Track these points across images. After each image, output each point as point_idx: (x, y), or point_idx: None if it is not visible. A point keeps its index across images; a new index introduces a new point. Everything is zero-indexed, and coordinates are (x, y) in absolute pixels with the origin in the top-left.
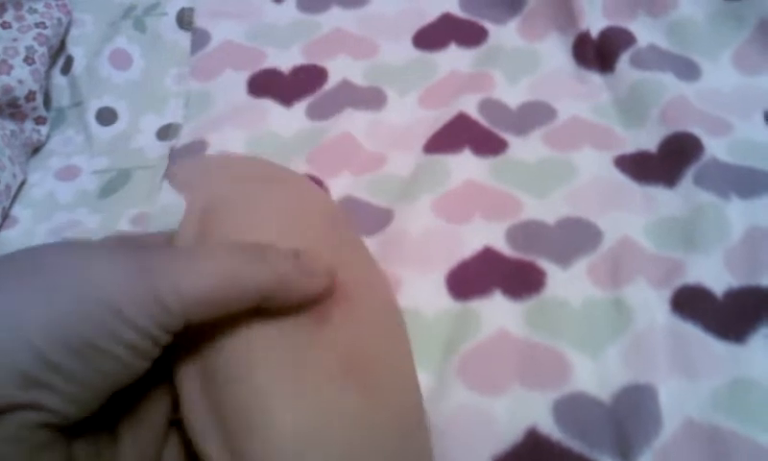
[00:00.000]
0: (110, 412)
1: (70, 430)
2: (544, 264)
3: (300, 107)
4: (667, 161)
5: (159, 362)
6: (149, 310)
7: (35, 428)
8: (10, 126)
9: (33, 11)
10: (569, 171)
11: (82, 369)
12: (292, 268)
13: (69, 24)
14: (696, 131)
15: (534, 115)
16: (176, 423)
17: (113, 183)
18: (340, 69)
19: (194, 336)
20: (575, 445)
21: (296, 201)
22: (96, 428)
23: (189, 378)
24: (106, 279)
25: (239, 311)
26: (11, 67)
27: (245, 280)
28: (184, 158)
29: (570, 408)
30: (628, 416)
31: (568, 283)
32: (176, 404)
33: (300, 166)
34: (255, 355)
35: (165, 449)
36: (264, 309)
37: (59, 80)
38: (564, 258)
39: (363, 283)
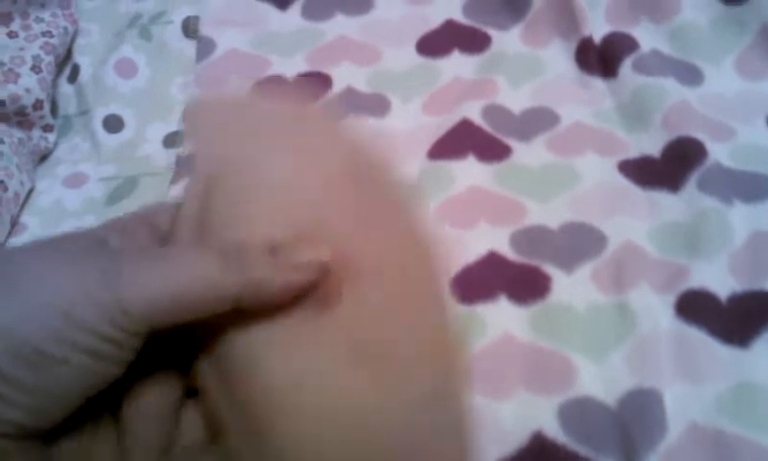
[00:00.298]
0: (110, 398)
1: (54, 432)
2: (549, 269)
3: None
4: (671, 166)
5: (165, 346)
6: (106, 313)
7: None
8: (17, 134)
9: (39, 20)
10: (573, 176)
11: (33, 378)
12: (268, 270)
13: (75, 33)
14: (699, 136)
15: (537, 121)
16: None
17: (120, 191)
18: (344, 76)
19: (203, 327)
20: (581, 449)
21: (311, 156)
22: (93, 418)
23: (205, 371)
24: (56, 282)
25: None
26: (18, 76)
27: (215, 288)
28: (204, 97)
29: (576, 412)
30: (633, 420)
31: (573, 288)
32: (191, 389)
33: None
34: (258, 350)
35: (177, 431)
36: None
37: (65, 88)
38: (569, 263)
39: (386, 254)
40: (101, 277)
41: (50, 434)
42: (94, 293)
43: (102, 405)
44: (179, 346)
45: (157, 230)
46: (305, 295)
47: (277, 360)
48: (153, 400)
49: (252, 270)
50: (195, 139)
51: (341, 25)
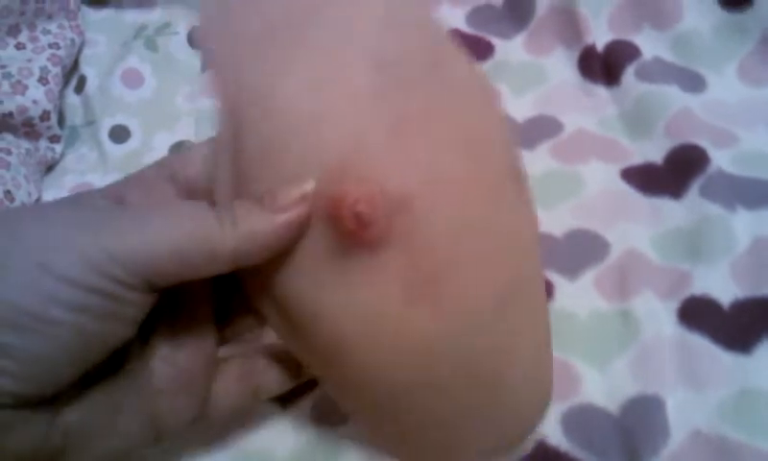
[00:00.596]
0: (135, 361)
1: (66, 399)
2: (552, 276)
3: None
4: (673, 173)
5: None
6: (89, 261)
7: None
8: (25, 145)
9: (46, 32)
10: (576, 183)
11: (21, 342)
12: (259, 218)
13: (82, 44)
14: (702, 142)
15: (540, 129)
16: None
17: None
18: None
19: (253, 272)
20: (584, 456)
21: (328, 72)
22: (114, 383)
23: (270, 315)
24: (30, 233)
25: (280, 250)
26: (25, 87)
27: (211, 242)
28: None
29: (578, 420)
30: (636, 427)
31: (576, 295)
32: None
33: None
34: (316, 301)
35: (211, 392)
36: (312, 244)
37: (72, 99)
38: (572, 270)
39: (432, 170)
40: (81, 225)
41: (60, 401)
42: (73, 240)
43: (123, 369)
44: (215, 296)
45: (179, 183)
46: (356, 239)
47: (337, 308)
48: (182, 363)
49: (243, 223)
50: (212, 56)
51: None
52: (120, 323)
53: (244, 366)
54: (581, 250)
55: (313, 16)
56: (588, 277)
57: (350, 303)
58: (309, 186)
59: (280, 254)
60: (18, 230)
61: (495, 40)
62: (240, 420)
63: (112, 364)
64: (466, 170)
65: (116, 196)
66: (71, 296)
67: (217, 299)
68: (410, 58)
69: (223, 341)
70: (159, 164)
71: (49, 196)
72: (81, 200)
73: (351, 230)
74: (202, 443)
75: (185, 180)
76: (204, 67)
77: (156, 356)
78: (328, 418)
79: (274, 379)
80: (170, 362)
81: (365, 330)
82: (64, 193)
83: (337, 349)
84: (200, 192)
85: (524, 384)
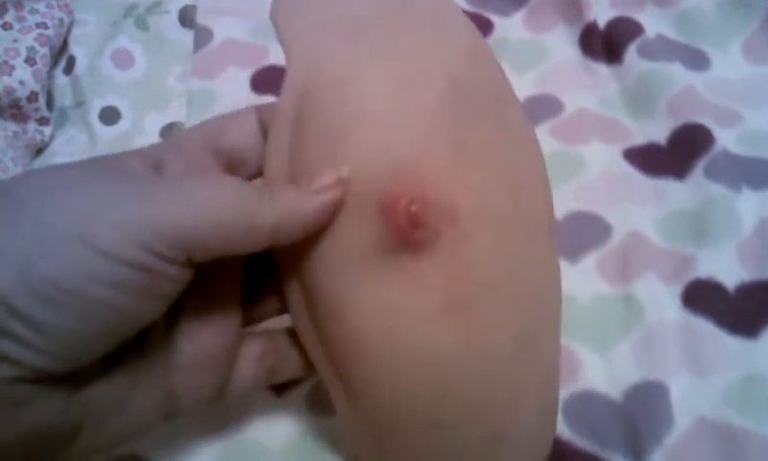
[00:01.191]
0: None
1: (85, 373)
2: None
3: None
4: (677, 153)
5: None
6: (131, 234)
7: (3, 384)
8: (12, 127)
9: (34, 11)
10: (578, 164)
11: (54, 317)
12: (296, 197)
13: (71, 24)
14: (706, 122)
15: (541, 108)
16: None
17: None
18: None
19: (289, 257)
20: (586, 444)
21: (413, 70)
22: (133, 360)
23: (295, 302)
24: (69, 204)
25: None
26: (12, 68)
27: (251, 217)
28: None
29: (581, 407)
30: (639, 414)
31: (577, 279)
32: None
33: None
34: (347, 294)
35: (233, 372)
36: (352, 237)
37: (61, 80)
38: (573, 253)
39: (486, 193)
40: (124, 196)
41: (81, 376)
42: (115, 212)
43: (143, 346)
44: (243, 275)
45: (223, 153)
46: (404, 237)
47: (368, 306)
48: (207, 342)
49: (281, 201)
50: (287, 36)
51: None
52: (155, 299)
53: (266, 345)
54: (582, 232)
55: (400, 23)
56: (590, 260)
57: (382, 302)
58: (345, 171)
59: (318, 243)
60: (61, 199)
61: (495, 18)
62: (235, 408)
63: (134, 339)
64: (510, 209)
65: (155, 160)
66: (111, 272)
67: (245, 279)
68: (481, 86)
69: (247, 322)
70: (200, 130)
71: None
72: (120, 164)
73: (402, 228)
74: (196, 431)
75: (227, 149)
76: (197, 46)
77: (181, 333)
78: (323, 407)
79: (291, 363)
80: (194, 340)
81: (392, 332)
82: None
83: (359, 345)
84: (241, 163)
85: (523, 445)
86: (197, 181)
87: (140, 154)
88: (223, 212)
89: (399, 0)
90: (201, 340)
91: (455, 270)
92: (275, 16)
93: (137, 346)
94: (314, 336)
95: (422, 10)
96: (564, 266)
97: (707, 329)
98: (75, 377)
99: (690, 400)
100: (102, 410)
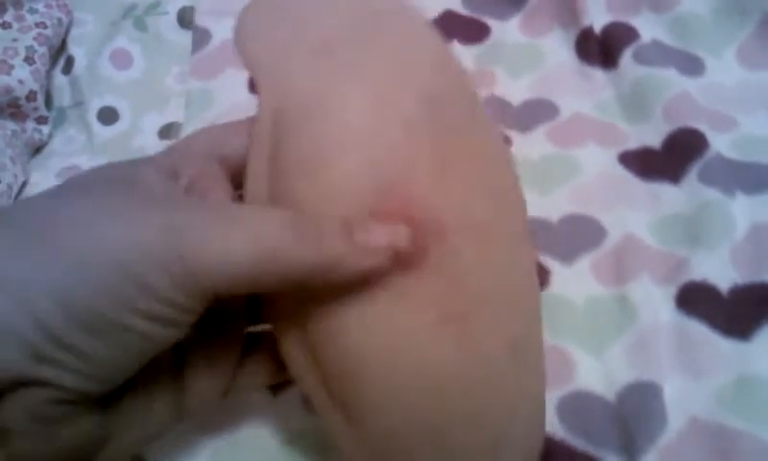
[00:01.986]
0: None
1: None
2: (548, 262)
3: None
4: (671, 158)
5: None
6: (169, 274)
7: (45, 405)
8: (11, 126)
9: (33, 11)
10: (573, 168)
11: (94, 345)
12: (345, 251)
13: (70, 24)
14: (700, 126)
15: (537, 112)
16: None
17: None
18: None
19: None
20: (579, 443)
21: (389, 86)
22: (151, 375)
23: (290, 341)
24: (121, 238)
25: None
26: (11, 67)
27: (288, 262)
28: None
29: (574, 407)
30: (632, 414)
31: (572, 281)
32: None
33: None
34: (343, 316)
35: (236, 381)
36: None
37: (60, 79)
38: (568, 256)
39: (469, 205)
40: (163, 231)
41: (113, 393)
42: (157, 251)
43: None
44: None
45: (227, 162)
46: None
47: (364, 328)
48: (215, 355)
49: (328, 249)
50: (255, 61)
51: None
52: (180, 328)
53: (267, 346)
54: (577, 235)
55: (369, 40)
56: (585, 262)
57: (378, 320)
58: (403, 241)
59: None
60: (96, 228)
61: (491, 22)
62: (231, 408)
63: None
64: (493, 219)
65: (170, 170)
66: (148, 306)
67: None
68: (453, 99)
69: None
70: (205, 136)
71: (36, 179)
72: (141, 180)
73: (380, 269)
74: (192, 430)
75: (231, 157)
76: (195, 47)
77: (190, 340)
78: None
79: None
80: (200, 348)
81: (390, 349)
82: (51, 176)
83: (358, 366)
84: (244, 171)
85: (521, 447)
86: (231, 211)
87: (155, 164)
88: (259, 256)
89: (366, 17)
90: (209, 345)
91: (446, 285)
92: (240, 43)
93: (154, 358)
94: (311, 369)
95: (390, 25)
96: (559, 268)
97: (700, 331)
98: (108, 395)
99: (684, 400)
100: (128, 422)
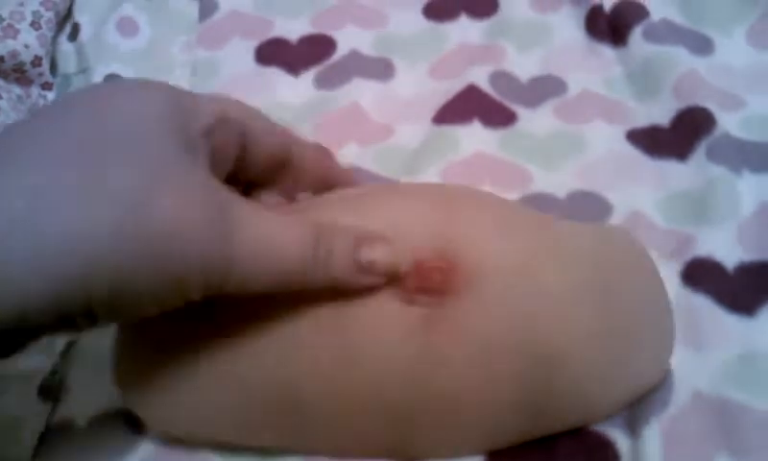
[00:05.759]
0: None
1: None
2: None
3: (308, 76)
4: (679, 135)
5: None
6: (208, 278)
7: None
8: (16, 90)
9: None
10: (580, 144)
11: (120, 315)
12: (348, 272)
13: None
14: (709, 105)
15: (545, 88)
16: None
17: None
18: (348, 39)
19: None
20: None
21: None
22: None
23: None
24: (184, 237)
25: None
26: (17, 32)
27: (296, 276)
28: None
29: None
30: None
31: None
32: None
33: (307, 135)
34: (361, 349)
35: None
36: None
37: (65, 47)
38: None
39: (485, 253)
40: (216, 235)
41: None
42: (208, 257)
43: None
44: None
45: (244, 136)
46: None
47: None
48: None
49: (335, 271)
50: None
51: None
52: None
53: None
54: (583, 211)
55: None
56: None
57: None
58: (404, 264)
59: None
60: (177, 239)
61: None
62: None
63: None
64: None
65: (207, 130)
66: (179, 301)
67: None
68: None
69: None
70: (238, 107)
71: None
72: (195, 144)
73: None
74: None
75: (248, 134)
76: (202, 16)
77: None
78: None
79: None
80: None
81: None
82: None
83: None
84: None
85: None
86: (264, 220)
87: (199, 124)
88: (278, 272)
89: None
90: None
91: (476, 322)
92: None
93: None
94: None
95: None
96: None
97: (705, 306)
98: None
99: (688, 375)
100: None
